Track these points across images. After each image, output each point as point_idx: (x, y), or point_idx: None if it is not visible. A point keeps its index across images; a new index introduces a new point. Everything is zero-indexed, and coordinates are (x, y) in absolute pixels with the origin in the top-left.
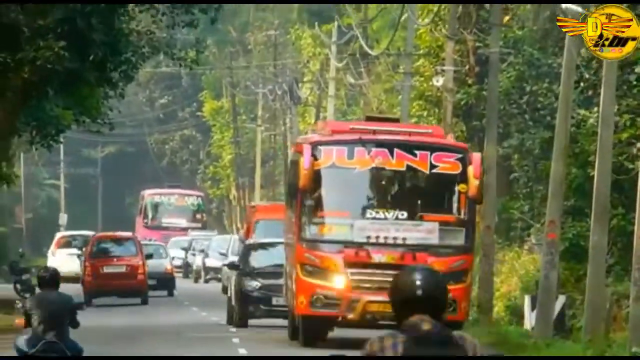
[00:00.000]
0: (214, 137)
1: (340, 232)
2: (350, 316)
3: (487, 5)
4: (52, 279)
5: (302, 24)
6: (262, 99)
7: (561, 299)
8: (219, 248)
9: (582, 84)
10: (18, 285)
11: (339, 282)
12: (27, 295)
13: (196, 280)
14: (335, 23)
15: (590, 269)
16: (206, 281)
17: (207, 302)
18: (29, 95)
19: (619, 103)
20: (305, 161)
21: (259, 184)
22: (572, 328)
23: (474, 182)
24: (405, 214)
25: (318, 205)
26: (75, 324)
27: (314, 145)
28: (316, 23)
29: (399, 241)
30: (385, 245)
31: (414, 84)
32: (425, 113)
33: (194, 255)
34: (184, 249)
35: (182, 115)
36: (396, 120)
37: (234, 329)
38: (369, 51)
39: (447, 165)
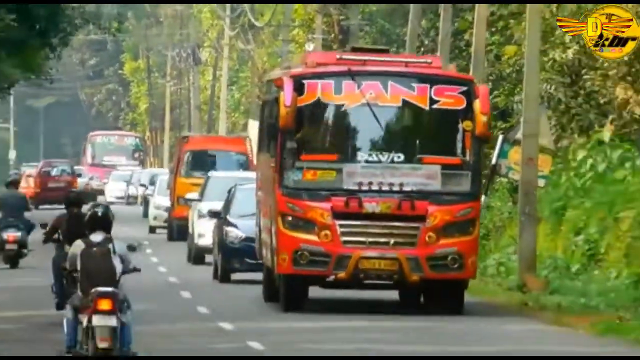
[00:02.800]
0: (132, 91)
1: (327, 178)
2: (341, 275)
3: None
4: (13, 181)
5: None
6: (170, 60)
7: None
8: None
9: (422, 49)
10: None
11: (326, 235)
12: None
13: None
14: None
15: None
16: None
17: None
18: None
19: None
20: (286, 97)
21: (169, 127)
22: None
23: (481, 119)
24: (402, 157)
25: (301, 147)
26: (29, 209)
27: (296, 78)
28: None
29: (395, 188)
30: (379, 192)
31: (291, 49)
32: None
33: (142, 186)
34: (126, 181)
35: (107, 73)
36: (385, 51)
37: (174, 279)
38: (255, 23)
39: (449, 99)
